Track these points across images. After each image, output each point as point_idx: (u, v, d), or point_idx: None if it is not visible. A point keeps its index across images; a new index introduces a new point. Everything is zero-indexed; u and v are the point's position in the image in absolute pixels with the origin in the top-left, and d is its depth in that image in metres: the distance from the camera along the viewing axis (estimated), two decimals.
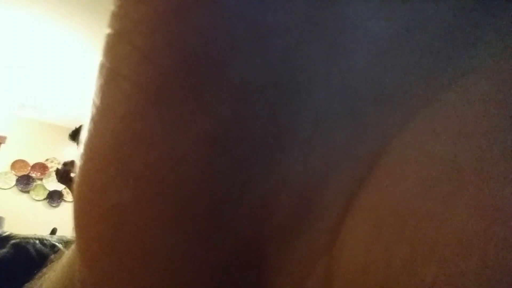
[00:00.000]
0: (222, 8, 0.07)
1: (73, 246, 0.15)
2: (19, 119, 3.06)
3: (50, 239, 0.40)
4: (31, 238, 0.38)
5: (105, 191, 0.08)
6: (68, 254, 0.15)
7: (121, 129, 0.08)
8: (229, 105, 0.07)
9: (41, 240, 0.38)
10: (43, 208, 3.08)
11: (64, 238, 0.41)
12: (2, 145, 2.95)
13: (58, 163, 3.23)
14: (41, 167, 3.13)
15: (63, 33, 2.02)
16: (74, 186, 0.09)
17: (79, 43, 2.11)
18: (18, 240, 0.37)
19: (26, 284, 0.19)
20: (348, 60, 0.08)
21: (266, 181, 0.08)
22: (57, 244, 0.39)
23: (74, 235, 0.09)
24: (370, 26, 0.08)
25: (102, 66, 0.09)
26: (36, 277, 0.20)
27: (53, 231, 2.16)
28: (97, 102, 0.08)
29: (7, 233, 0.37)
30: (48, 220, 2.91)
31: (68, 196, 3.25)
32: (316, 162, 0.08)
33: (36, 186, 3.07)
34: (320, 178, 0.08)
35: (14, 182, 2.95)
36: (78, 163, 0.09)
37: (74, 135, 1.64)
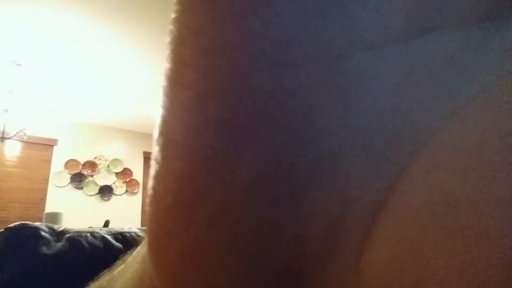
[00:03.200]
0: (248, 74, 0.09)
1: (142, 257, 0.16)
2: (67, 122, 3.27)
3: (100, 231, 0.43)
4: (83, 232, 0.41)
5: (173, 233, 0.10)
6: (138, 265, 0.17)
7: (180, 186, 0.10)
8: (264, 158, 0.09)
9: (92, 233, 0.41)
10: (96, 202, 3.31)
11: (112, 230, 0.44)
12: (55, 147, 3.18)
13: (106, 160, 3.43)
14: (91, 165, 3.34)
15: (103, 35, 2.11)
16: (147, 221, 0.11)
17: (118, 46, 2.19)
18: (71, 234, 0.40)
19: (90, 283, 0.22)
20: (360, 106, 0.08)
21: (299, 217, 0.09)
22: (106, 236, 0.42)
23: (151, 265, 0.12)
24: (376, 72, 0.08)
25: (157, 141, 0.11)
26: (102, 275, 0.22)
27: (106, 223, 2.31)
28: (157, 159, 0.10)
29: (62, 228, 0.41)
30: (101, 213, 3.12)
31: (117, 190, 3.45)
32: (338, 196, 0.09)
33: (88, 182, 3.29)
34: (342, 210, 0.09)
35: (68, 180, 3.18)
36: (149, 200, 0.11)
37: None
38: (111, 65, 2.44)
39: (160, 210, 0.10)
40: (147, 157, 3.77)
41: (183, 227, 0.10)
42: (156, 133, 0.11)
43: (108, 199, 3.38)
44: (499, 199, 0.07)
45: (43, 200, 3.00)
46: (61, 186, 3.14)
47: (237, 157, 0.09)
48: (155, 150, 0.11)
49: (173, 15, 0.10)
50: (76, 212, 3.04)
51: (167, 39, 0.11)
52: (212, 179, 0.09)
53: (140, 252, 0.18)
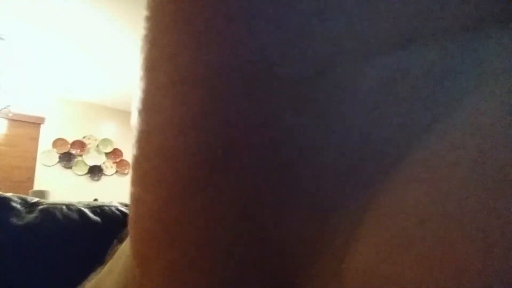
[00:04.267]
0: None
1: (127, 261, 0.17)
2: (54, 100, 3.19)
3: (77, 204, 0.41)
4: (58, 204, 0.39)
5: (157, 253, 0.11)
6: (123, 267, 0.17)
7: (162, 211, 0.10)
8: (243, 185, 0.09)
9: (68, 206, 0.39)
10: (85, 182, 3.27)
11: (91, 204, 0.42)
12: (42, 125, 3.12)
13: (95, 140, 3.38)
14: (80, 144, 3.29)
15: (94, 10, 2.03)
16: (130, 238, 0.12)
17: (107, 23, 2.11)
18: (45, 205, 0.38)
19: None
20: (341, 124, 0.09)
21: (280, 234, 0.09)
22: (83, 208, 0.40)
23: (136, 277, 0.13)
24: (357, 87, 0.08)
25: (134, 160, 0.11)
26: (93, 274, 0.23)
27: None
28: (137, 182, 0.11)
29: (35, 200, 0.38)
30: (91, 193, 3.10)
31: (107, 170, 3.42)
32: (319, 211, 0.09)
33: (77, 162, 3.25)
34: (322, 224, 0.09)
35: (57, 160, 3.13)
36: (130, 220, 0.11)
37: None
38: (101, 42, 2.36)
39: (144, 232, 0.11)
40: None
41: (167, 248, 0.10)
42: (133, 156, 0.11)
43: (98, 179, 3.35)
44: (473, 217, 0.07)
45: (30, 179, 2.95)
46: (50, 165, 3.09)
47: (216, 184, 0.09)
48: (133, 173, 0.11)
49: (144, 31, 0.10)
50: (65, 192, 3.01)
51: (139, 54, 0.11)
52: (192, 206, 0.10)
53: (119, 263, 0.19)
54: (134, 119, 0.11)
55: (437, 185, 0.08)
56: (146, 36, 0.10)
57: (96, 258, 0.37)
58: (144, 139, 0.10)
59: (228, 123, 0.09)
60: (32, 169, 2.99)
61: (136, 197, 0.11)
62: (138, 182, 0.11)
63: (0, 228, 0.32)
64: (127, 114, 3.66)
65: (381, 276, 0.08)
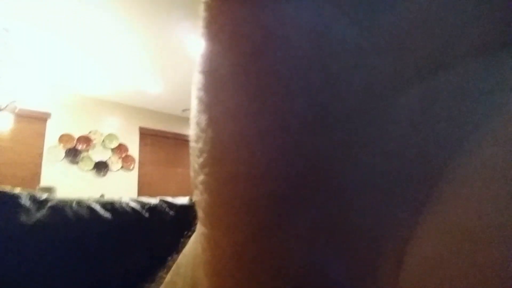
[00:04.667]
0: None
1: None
2: (60, 95, 3.19)
3: (87, 200, 0.39)
4: (68, 200, 0.37)
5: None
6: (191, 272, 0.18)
7: (239, 253, 0.11)
8: (314, 223, 0.10)
9: (78, 202, 0.38)
10: (91, 178, 3.28)
11: (102, 200, 0.40)
12: (48, 120, 3.12)
13: (101, 135, 3.39)
14: (86, 140, 3.29)
15: (99, 5, 2.02)
16: (206, 274, 0.13)
17: (113, 19, 2.10)
18: (55, 202, 0.36)
19: None
20: (383, 149, 0.09)
21: (344, 259, 0.10)
22: (93, 205, 0.38)
23: None
24: (395, 114, 0.09)
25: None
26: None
27: None
28: (213, 226, 0.12)
29: (45, 197, 0.37)
30: (97, 189, 3.10)
31: (113, 165, 3.42)
32: (372, 235, 0.10)
33: (83, 157, 3.25)
34: (377, 245, 0.10)
35: (63, 155, 3.14)
36: (206, 259, 0.13)
37: None
38: (107, 37, 2.35)
39: (221, 269, 0.12)
40: (143, 132, 3.72)
41: (244, 285, 0.11)
42: (205, 201, 0.11)
43: (104, 175, 3.35)
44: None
45: (37, 175, 2.96)
46: (56, 161, 3.10)
47: (290, 225, 0.10)
48: (206, 217, 0.12)
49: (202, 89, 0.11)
50: (71, 187, 3.02)
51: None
52: (267, 247, 0.10)
53: None
54: (201, 163, 0.11)
55: (476, 200, 0.08)
56: (208, 91, 0.11)
57: (107, 255, 0.36)
58: (217, 187, 0.11)
59: (293, 172, 0.10)
60: (38, 165, 3.00)
61: (209, 236, 0.12)
62: (211, 224, 0.11)
63: (9, 227, 0.31)
64: (132, 109, 3.66)
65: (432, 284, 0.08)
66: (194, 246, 0.18)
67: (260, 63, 0.10)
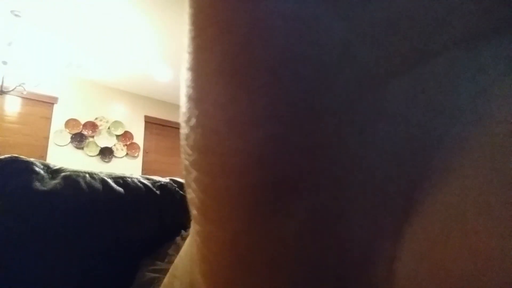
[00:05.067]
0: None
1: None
2: (68, 80, 3.20)
3: (99, 174, 0.39)
4: (81, 172, 0.38)
5: (233, 283, 0.11)
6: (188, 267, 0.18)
7: (236, 243, 0.11)
8: (308, 211, 0.10)
9: (91, 174, 0.38)
10: (96, 163, 3.30)
11: (113, 174, 0.40)
12: (55, 105, 3.13)
13: (107, 121, 3.40)
14: (92, 125, 3.31)
15: None
16: (203, 271, 0.13)
17: (123, 5, 2.09)
18: (68, 172, 0.36)
19: None
20: (376, 140, 0.09)
21: (339, 249, 0.10)
22: (106, 178, 0.38)
23: None
24: (388, 103, 0.09)
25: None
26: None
27: None
28: (207, 218, 0.12)
29: (57, 167, 0.37)
30: None
31: (118, 152, 3.44)
32: (368, 226, 0.10)
33: (88, 143, 3.27)
34: (373, 237, 0.10)
35: (69, 140, 3.16)
36: (202, 254, 0.12)
37: None
38: (116, 23, 2.34)
39: (217, 263, 0.12)
40: (148, 121, 3.73)
41: (241, 277, 0.11)
42: (196, 195, 0.11)
43: (109, 161, 3.37)
44: (499, 211, 0.08)
45: (43, 157, 2.98)
46: (62, 145, 3.12)
47: (283, 215, 0.10)
48: (198, 212, 0.12)
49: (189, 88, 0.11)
50: None
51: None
52: (263, 237, 0.10)
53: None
54: (193, 160, 0.11)
55: (466, 186, 0.08)
56: (195, 87, 0.11)
57: (118, 226, 0.36)
58: (209, 181, 0.11)
59: (285, 161, 0.10)
60: (44, 148, 3.02)
61: (204, 232, 0.12)
62: (206, 220, 0.11)
63: (25, 192, 0.31)
64: (138, 97, 3.67)
65: (428, 276, 0.09)
66: (189, 248, 0.18)
67: (250, 54, 0.09)
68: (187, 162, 0.12)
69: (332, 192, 0.10)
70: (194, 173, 0.11)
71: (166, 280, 0.24)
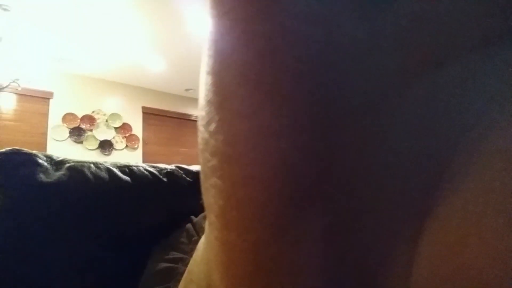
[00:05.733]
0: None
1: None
2: (62, 74, 3.16)
3: (104, 163, 0.38)
4: (86, 162, 0.37)
5: None
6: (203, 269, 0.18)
7: (256, 254, 0.11)
8: (327, 219, 0.10)
9: (96, 164, 0.37)
10: (96, 157, 3.29)
11: (118, 163, 0.40)
12: (51, 100, 3.10)
13: (104, 114, 3.37)
14: (89, 119, 3.28)
15: None
16: (221, 278, 0.13)
17: None
18: (73, 163, 0.35)
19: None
20: (393, 147, 0.09)
21: (359, 255, 0.10)
22: (111, 167, 0.37)
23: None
24: (401, 111, 0.09)
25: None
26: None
27: None
28: (227, 228, 0.11)
29: (61, 158, 0.36)
30: None
31: (117, 144, 3.42)
32: (385, 231, 0.10)
33: (87, 137, 3.25)
34: (389, 243, 0.10)
35: (67, 134, 3.14)
36: (220, 261, 0.12)
37: None
38: (108, 14, 2.29)
39: (238, 271, 0.11)
40: (146, 112, 3.70)
41: (262, 285, 0.11)
42: (217, 205, 0.11)
43: (109, 154, 3.36)
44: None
45: None
46: (60, 140, 3.10)
47: (305, 226, 0.10)
48: (218, 220, 0.11)
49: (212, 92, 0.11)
50: None
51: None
52: (284, 248, 0.10)
53: None
54: (213, 166, 0.11)
55: (483, 188, 0.08)
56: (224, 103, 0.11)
57: (126, 215, 0.35)
58: (230, 190, 0.11)
59: (308, 172, 0.09)
60: (43, 145, 3.00)
61: (223, 239, 0.12)
62: (225, 227, 0.11)
63: (29, 184, 0.30)
64: (134, 88, 3.63)
65: (446, 278, 0.08)
66: (206, 253, 0.18)
67: (275, 60, 0.09)
68: (205, 168, 0.11)
69: (353, 198, 0.10)
70: (213, 179, 0.11)
71: (182, 284, 0.23)
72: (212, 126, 0.11)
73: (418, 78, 0.09)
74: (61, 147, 3.09)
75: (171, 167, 0.44)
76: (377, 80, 0.09)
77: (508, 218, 0.08)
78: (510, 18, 0.09)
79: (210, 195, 0.12)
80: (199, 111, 0.12)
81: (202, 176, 0.12)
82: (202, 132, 0.11)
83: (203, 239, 0.20)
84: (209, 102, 0.11)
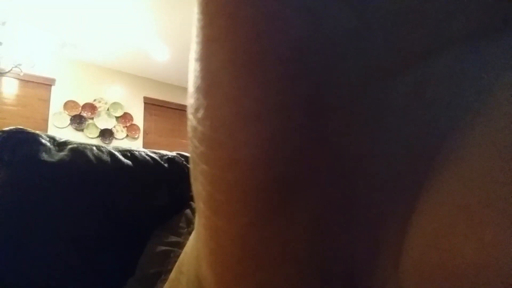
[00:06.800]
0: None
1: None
2: (64, 61, 3.15)
3: (106, 146, 0.39)
4: (88, 144, 0.37)
5: (241, 276, 0.11)
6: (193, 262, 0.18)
7: (245, 237, 0.11)
8: (317, 206, 0.10)
9: (98, 147, 0.37)
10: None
11: (120, 147, 0.40)
12: (53, 86, 3.09)
13: (106, 103, 3.37)
14: (91, 107, 3.28)
15: None
16: (210, 264, 0.13)
17: None
18: (75, 145, 0.35)
19: None
20: (381, 135, 0.09)
21: (348, 246, 0.10)
22: (113, 151, 0.37)
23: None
24: (391, 98, 0.09)
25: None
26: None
27: None
28: (216, 213, 0.11)
29: (63, 139, 0.36)
30: None
31: (118, 134, 3.43)
32: (374, 223, 0.10)
33: (88, 125, 3.25)
34: (378, 235, 0.10)
35: (68, 122, 3.14)
36: (208, 247, 0.12)
37: None
38: (113, 1, 2.28)
39: (227, 258, 0.11)
40: (147, 102, 3.70)
41: (251, 271, 0.11)
42: (204, 189, 0.11)
43: (109, 143, 3.36)
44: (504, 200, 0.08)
45: None
46: (61, 127, 3.10)
47: (293, 208, 0.10)
48: (205, 205, 0.11)
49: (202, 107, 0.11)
50: None
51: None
52: (273, 231, 0.10)
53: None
54: (201, 152, 0.11)
55: (470, 178, 0.08)
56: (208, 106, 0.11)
57: (128, 197, 0.35)
58: (218, 175, 0.11)
59: (295, 154, 0.09)
60: (43, 131, 2.98)
61: (211, 226, 0.12)
62: (213, 213, 0.11)
63: (32, 163, 0.30)
64: (136, 78, 3.62)
65: (434, 266, 0.09)
66: (195, 243, 0.18)
67: (262, 45, 0.09)
68: (194, 155, 0.11)
69: (340, 185, 0.10)
70: (201, 166, 0.11)
71: (172, 275, 0.23)
72: (200, 113, 0.11)
73: (407, 68, 0.09)
74: (61, 134, 3.05)
75: (173, 153, 0.44)
76: (364, 68, 0.09)
77: (494, 208, 0.08)
78: (500, 11, 0.09)
79: (198, 183, 0.12)
80: (188, 99, 0.12)
81: (191, 165, 0.12)
82: (190, 120, 0.11)
83: (193, 233, 0.20)
84: (197, 89, 0.11)
